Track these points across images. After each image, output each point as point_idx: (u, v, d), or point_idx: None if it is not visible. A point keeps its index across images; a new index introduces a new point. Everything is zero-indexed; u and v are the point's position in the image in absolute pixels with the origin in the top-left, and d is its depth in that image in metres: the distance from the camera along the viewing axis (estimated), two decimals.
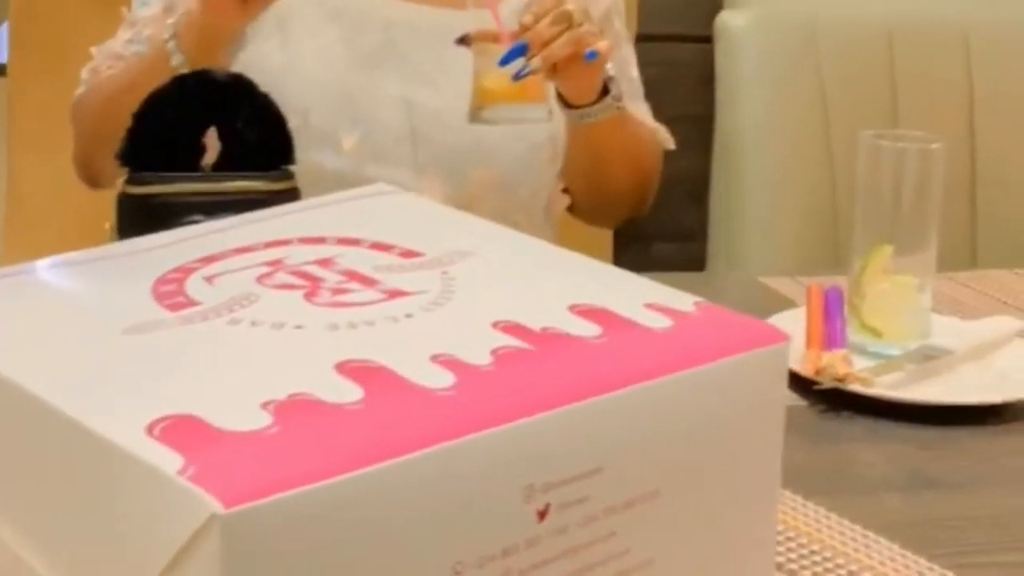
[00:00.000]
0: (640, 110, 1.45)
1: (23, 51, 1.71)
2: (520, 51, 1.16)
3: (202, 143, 1.10)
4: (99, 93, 1.34)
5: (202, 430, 0.51)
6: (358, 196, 0.84)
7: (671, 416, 0.61)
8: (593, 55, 1.19)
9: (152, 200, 1.06)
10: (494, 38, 1.20)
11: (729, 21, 1.70)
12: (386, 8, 1.31)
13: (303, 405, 0.53)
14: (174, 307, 0.64)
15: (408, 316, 0.63)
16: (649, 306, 0.67)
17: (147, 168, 1.07)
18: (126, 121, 1.08)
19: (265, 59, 1.31)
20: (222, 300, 0.64)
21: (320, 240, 0.74)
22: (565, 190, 1.45)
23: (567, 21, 1.18)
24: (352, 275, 0.68)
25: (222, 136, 1.10)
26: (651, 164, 1.43)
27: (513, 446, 0.55)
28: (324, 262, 0.70)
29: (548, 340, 0.62)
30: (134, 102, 1.16)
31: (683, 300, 0.68)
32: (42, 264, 0.71)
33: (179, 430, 0.51)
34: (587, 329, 0.63)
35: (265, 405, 0.53)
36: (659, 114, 1.48)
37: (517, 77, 1.16)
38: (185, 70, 1.18)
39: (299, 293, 0.66)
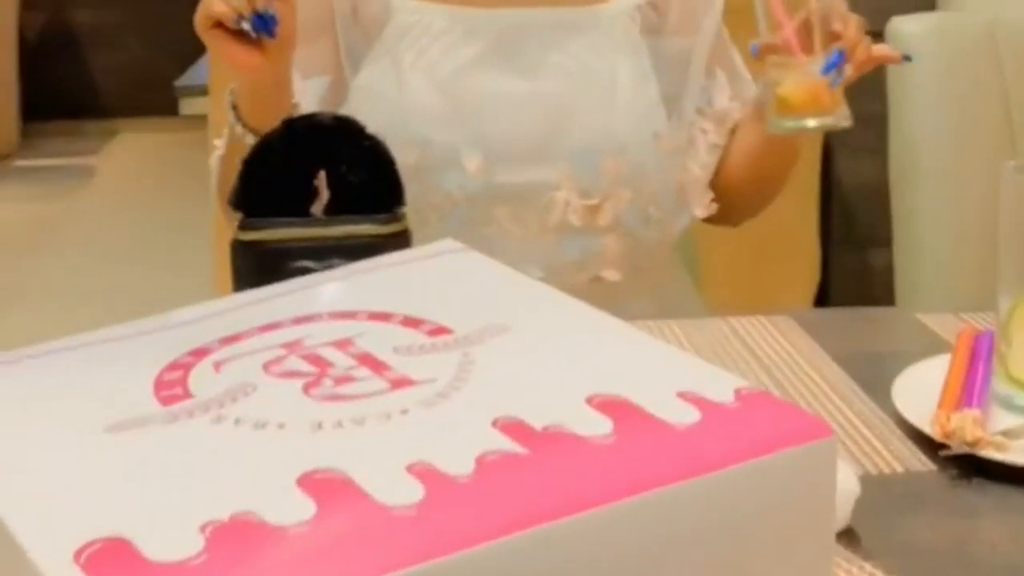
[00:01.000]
0: None
1: (221, 71, 1.81)
2: (838, 59, 1.17)
3: (314, 187, 1.08)
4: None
5: (128, 558, 0.48)
6: (420, 257, 0.81)
7: (677, 528, 0.55)
8: (909, 58, 1.25)
9: (262, 246, 1.05)
10: (779, 50, 1.20)
11: (901, 26, 1.58)
12: (498, 14, 1.30)
13: (243, 528, 0.50)
14: (168, 400, 0.61)
15: (403, 412, 0.59)
16: (681, 395, 0.61)
17: (259, 213, 1.06)
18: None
19: (378, 82, 1.31)
20: (218, 392, 0.61)
21: (351, 315, 0.70)
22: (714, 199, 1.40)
23: (863, 28, 1.20)
24: (365, 359, 0.64)
25: (330, 180, 1.08)
26: None
27: (474, 573, 0.50)
28: (342, 343, 0.66)
29: (547, 441, 0.57)
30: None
31: (723, 387, 0.62)
32: (69, 342, 0.70)
33: (105, 557, 0.48)
34: (597, 426, 0.58)
35: (203, 527, 0.50)
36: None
37: (835, 84, 1.17)
38: (249, 141, 1.19)
39: (299, 383, 0.62)
